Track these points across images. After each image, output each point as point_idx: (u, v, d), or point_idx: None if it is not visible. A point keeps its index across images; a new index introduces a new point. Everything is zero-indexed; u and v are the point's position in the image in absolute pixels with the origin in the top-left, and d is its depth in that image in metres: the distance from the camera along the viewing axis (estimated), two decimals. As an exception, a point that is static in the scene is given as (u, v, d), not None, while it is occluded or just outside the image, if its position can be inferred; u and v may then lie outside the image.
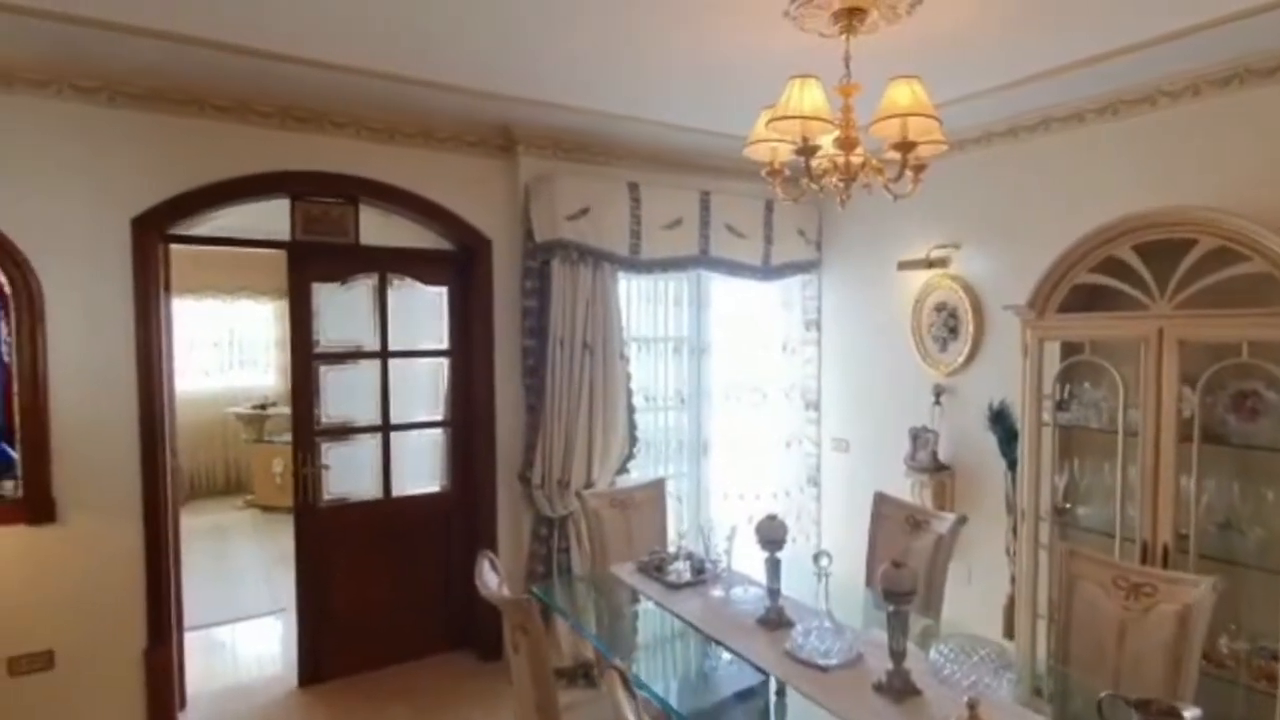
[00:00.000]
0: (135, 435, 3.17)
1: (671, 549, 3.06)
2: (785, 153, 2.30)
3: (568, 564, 3.76)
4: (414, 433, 3.94)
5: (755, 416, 4.59)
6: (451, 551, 3.94)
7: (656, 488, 3.48)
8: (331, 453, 3.75)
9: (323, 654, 3.74)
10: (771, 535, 2.46)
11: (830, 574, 2.25)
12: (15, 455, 3.07)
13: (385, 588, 3.86)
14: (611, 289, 3.78)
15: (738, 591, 2.63)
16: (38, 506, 3.00)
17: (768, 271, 4.32)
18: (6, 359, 3.13)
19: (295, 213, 3.56)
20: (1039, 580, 3.06)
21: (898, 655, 2.00)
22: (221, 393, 8.31)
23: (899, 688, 1.97)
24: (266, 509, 7.34)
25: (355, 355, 3.78)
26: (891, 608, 1.99)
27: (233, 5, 2.42)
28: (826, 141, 2.21)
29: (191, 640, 4.00)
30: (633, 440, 3.93)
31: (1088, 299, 2.93)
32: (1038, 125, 3.41)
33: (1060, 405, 3.06)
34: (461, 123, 3.62)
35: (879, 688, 1.99)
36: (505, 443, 3.87)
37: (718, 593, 2.66)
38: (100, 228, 3.07)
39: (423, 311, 3.91)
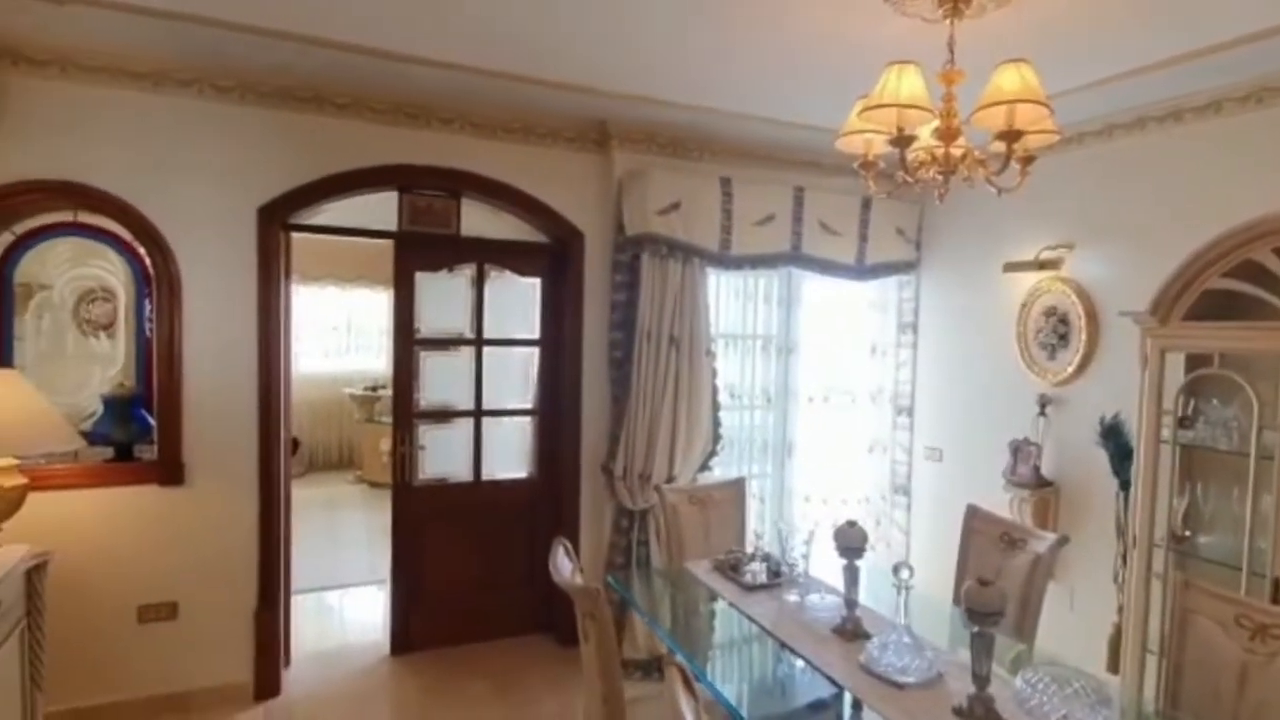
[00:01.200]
0: (254, 410, 3.41)
1: (749, 549, 3.03)
2: (880, 144, 2.21)
3: (646, 557, 3.79)
4: (504, 419, 4.08)
5: (842, 420, 4.47)
6: (535, 537, 4.04)
7: (736, 486, 3.44)
8: (428, 435, 3.93)
9: (413, 625, 3.93)
10: (850, 542, 2.38)
11: (911, 587, 2.15)
12: (153, 422, 3.39)
13: (472, 567, 4.01)
14: (700, 284, 3.77)
15: (813, 598, 2.56)
16: (169, 469, 3.29)
17: (862, 271, 4.18)
18: (149, 335, 3.46)
19: (403, 204, 3.74)
20: (1150, 612, 2.82)
21: (980, 679, 1.89)
22: (339, 374, 8.89)
23: (980, 714, 1.86)
24: (374, 485, 7.80)
25: (452, 342, 3.94)
26: (975, 628, 1.89)
27: (357, 8, 2.58)
28: (925, 132, 2.11)
29: (300, 602, 4.31)
30: (716, 437, 3.91)
31: (1219, 306, 2.67)
32: (1167, 116, 3.13)
33: (1183, 422, 2.80)
34: (560, 118, 3.71)
35: (959, 712, 1.89)
36: (590, 433, 3.94)
37: (793, 597, 2.61)
38: (230, 216, 3.32)
39: (516, 302, 4.03)
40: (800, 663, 2.23)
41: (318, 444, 9.02)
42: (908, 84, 1.90)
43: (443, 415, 3.96)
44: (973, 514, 3.01)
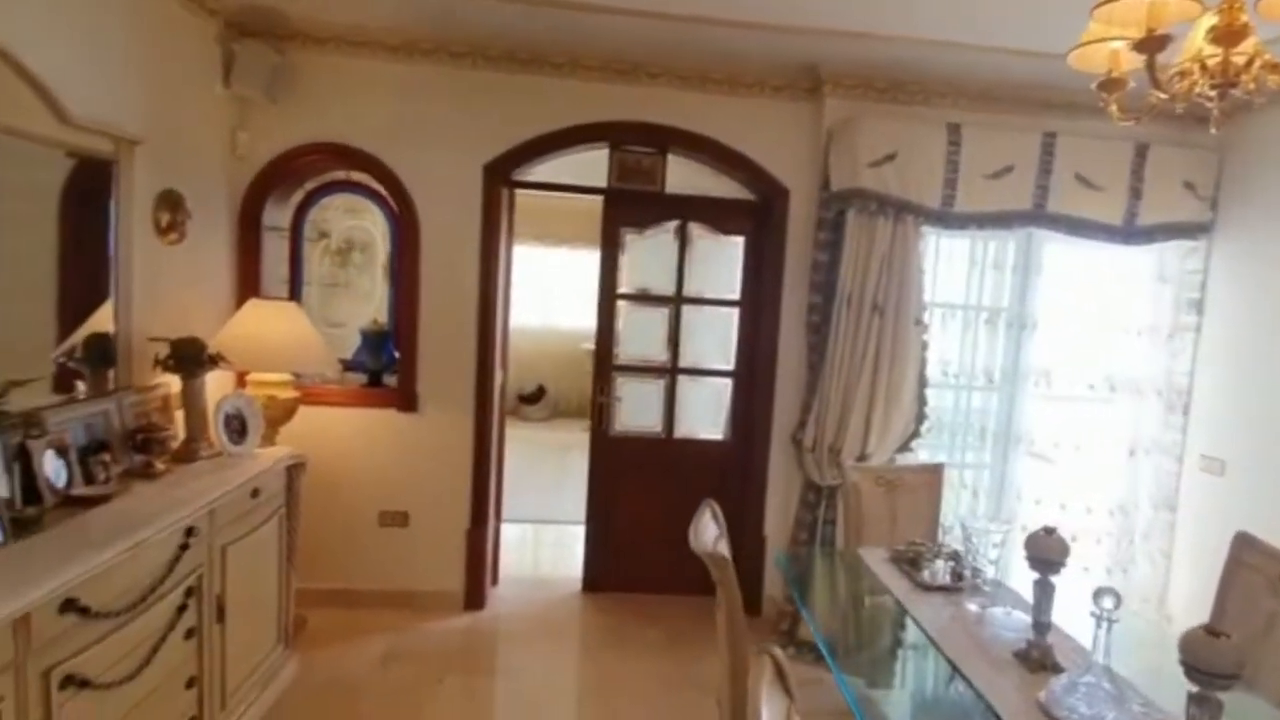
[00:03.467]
0: (473, 351, 3.75)
1: (939, 544, 2.69)
2: (1131, 58, 1.75)
3: (832, 536, 3.56)
4: (699, 379, 4.07)
5: (1091, 413, 3.77)
6: (722, 501, 3.91)
7: (933, 473, 3.07)
8: (624, 387, 4.06)
9: (601, 567, 4.12)
10: (1043, 553, 1.98)
11: (1115, 619, 1.73)
12: (398, 355, 3.90)
13: (657, 521, 4.07)
14: (913, 245, 3.37)
15: (997, 612, 2.20)
16: (406, 397, 3.75)
17: (1130, 233, 3.42)
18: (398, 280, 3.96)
19: (612, 161, 3.83)
20: None
21: (1196, 756, 1.48)
22: (581, 330, 9.54)
23: (1187, 802, 1.46)
24: (601, 434, 8.28)
25: (652, 298, 4.00)
26: (1195, 689, 1.48)
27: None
28: (1199, 35, 1.61)
29: (517, 531, 4.75)
30: (921, 417, 3.51)
31: None
32: None
33: None
34: (768, 65, 3.51)
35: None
36: (783, 401, 3.77)
37: (972, 607, 2.26)
38: (460, 173, 3.64)
39: (718, 261, 3.97)
40: (963, 684, 1.93)
41: (561, 393, 9.80)
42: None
43: (639, 370, 4.05)
44: (1245, 544, 2.36)
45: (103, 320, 2.68)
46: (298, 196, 3.98)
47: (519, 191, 4.07)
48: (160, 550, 2.15)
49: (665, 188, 3.82)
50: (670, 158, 3.79)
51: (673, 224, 3.90)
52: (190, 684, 2.36)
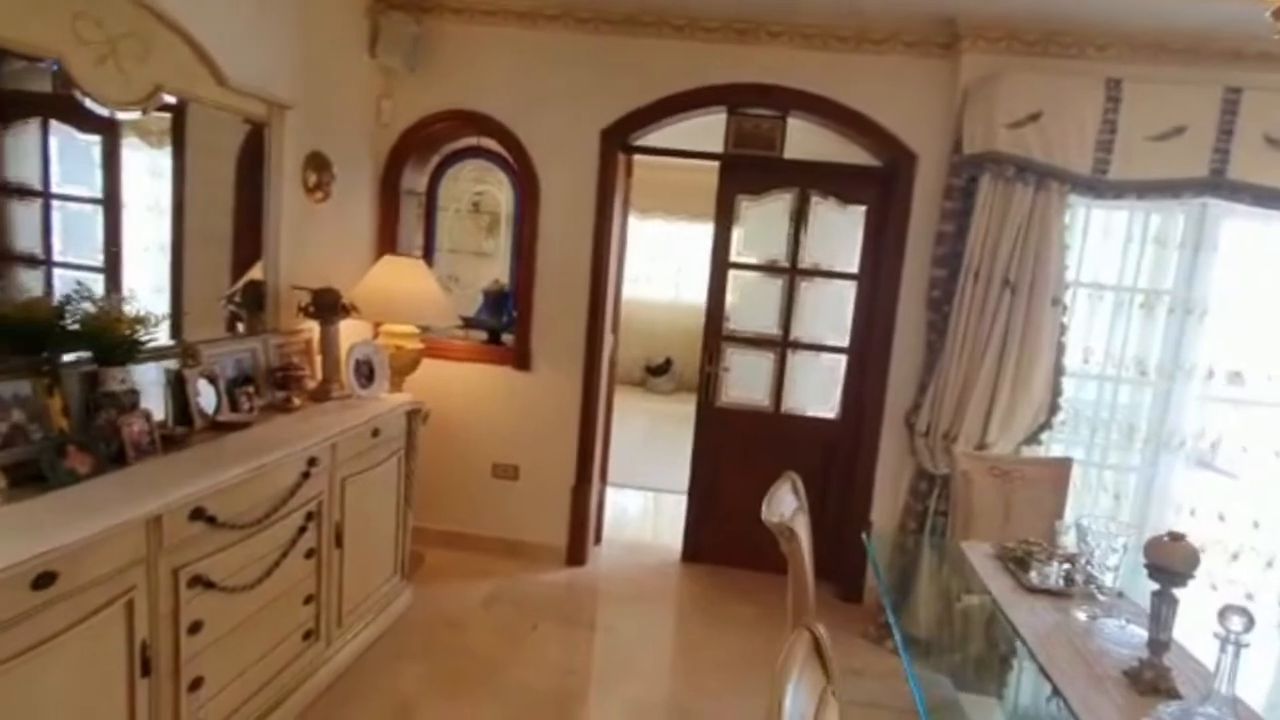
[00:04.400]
0: (585, 314, 3.83)
1: (1057, 545, 2.44)
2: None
3: (944, 528, 3.32)
4: (810, 353, 3.92)
5: (1275, 416, 3.22)
6: (828, 482, 3.82)
7: (1059, 467, 2.77)
8: (733, 358, 3.98)
9: (701, 538, 4.11)
10: (1165, 561, 1.74)
11: (1245, 644, 1.50)
12: (515, 315, 4.05)
13: (759, 496, 3.91)
14: (1055, 216, 3.03)
15: (1109, 624, 1.97)
16: (521, 356, 3.89)
17: (1337, 207, 2.88)
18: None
19: (730, 126, 3.74)
20: None
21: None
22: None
23: None
24: (721, 408, 8.22)
25: (765, 269, 3.89)
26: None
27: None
28: None
29: (627, 495, 4.82)
30: (1054, 408, 3.17)
31: None
32: None
33: None
34: (899, 19, 3.26)
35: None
36: (898, 381, 3.55)
37: (1081, 615, 2.04)
38: (579, 138, 3.69)
39: (836, 231, 3.78)
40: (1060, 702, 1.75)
41: (688, 367, 9.80)
42: None
43: (750, 341, 3.96)
44: None
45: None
46: (433, 163, 4.19)
47: (648, 163, 4.08)
48: (283, 475, 2.38)
49: (784, 153, 3.68)
50: (790, 122, 3.64)
51: (790, 192, 3.75)
52: (308, 600, 2.61)
